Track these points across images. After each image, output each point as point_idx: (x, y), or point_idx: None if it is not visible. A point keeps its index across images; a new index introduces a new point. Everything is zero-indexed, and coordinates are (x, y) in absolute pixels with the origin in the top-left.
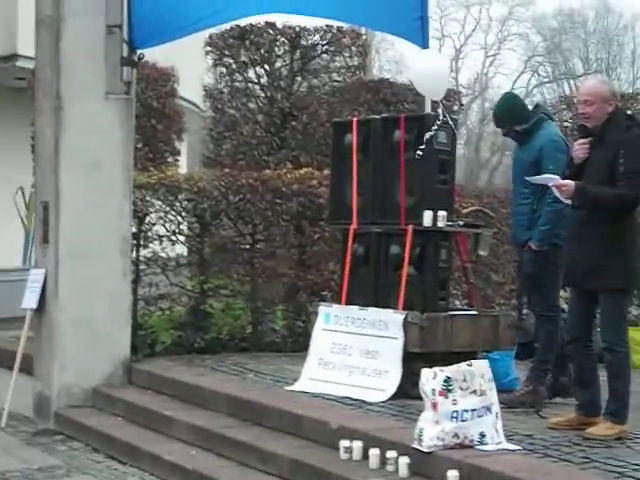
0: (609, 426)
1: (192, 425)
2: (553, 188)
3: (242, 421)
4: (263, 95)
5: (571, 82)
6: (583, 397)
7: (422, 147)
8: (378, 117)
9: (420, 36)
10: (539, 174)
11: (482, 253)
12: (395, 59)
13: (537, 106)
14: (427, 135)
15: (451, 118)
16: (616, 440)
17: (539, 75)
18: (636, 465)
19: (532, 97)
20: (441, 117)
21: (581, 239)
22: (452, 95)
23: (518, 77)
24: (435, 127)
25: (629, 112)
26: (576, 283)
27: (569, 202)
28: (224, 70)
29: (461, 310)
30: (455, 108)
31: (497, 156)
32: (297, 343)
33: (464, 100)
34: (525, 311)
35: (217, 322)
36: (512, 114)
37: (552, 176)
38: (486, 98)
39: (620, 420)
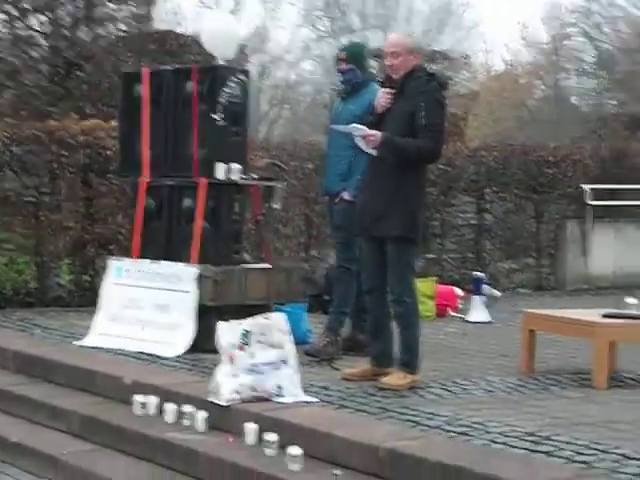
0: (402, 376)
1: None
2: (358, 138)
3: (31, 378)
4: (46, 44)
5: (349, 37)
6: (376, 348)
7: (219, 114)
8: (170, 68)
9: None
10: None
11: (275, 206)
12: (173, 11)
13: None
14: (224, 94)
15: (244, 70)
16: (409, 390)
17: (318, 29)
18: (430, 414)
19: (311, 51)
20: (234, 69)
21: (372, 188)
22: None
23: (297, 31)
24: (228, 80)
25: (429, 70)
26: (365, 230)
27: (374, 152)
28: (4, 17)
29: (253, 263)
30: (241, 61)
31: (276, 109)
32: (84, 298)
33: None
34: (319, 264)
35: (0, 277)
36: (360, 56)
37: (359, 126)
38: (265, 51)
39: (412, 370)
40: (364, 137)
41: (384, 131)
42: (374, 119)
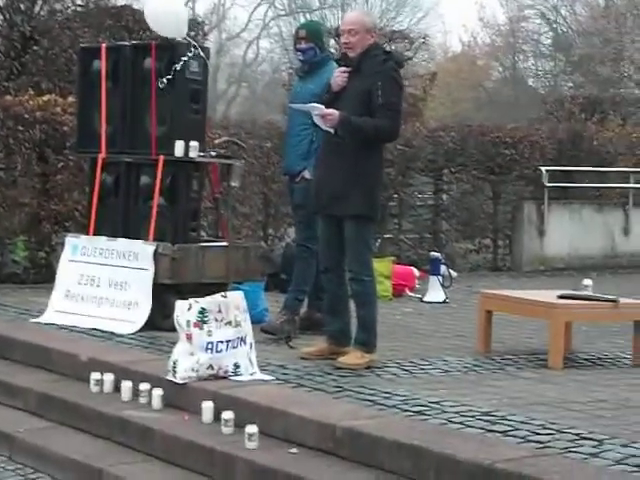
0: (359, 355)
1: None
2: (316, 117)
3: None
4: (2, 17)
5: (307, 16)
6: (334, 326)
7: (168, 77)
8: (128, 44)
9: None
10: None
11: (234, 184)
12: None
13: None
14: (177, 66)
15: (202, 47)
16: (366, 369)
17: (276, 7)
18: (387, 393)
19: (269, 29)
20: (193, 45)
21: (329, 166)
22: (195, 25)
23: (255, 9)
24: (186, 56)
25: (386, 49)
26: (321, 208)
27: (332, 131)
28: None
29: (211, 241)
30: (199, 38)
31: (234, 87)
32: (40, 275)
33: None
34: (276, 243)
35: None
36: (319, 35)
37: (316, 105)
38: (223, 29)
39: (369, 349)
40: (322, 116)
41: (340, 110)
42: (330, 97)
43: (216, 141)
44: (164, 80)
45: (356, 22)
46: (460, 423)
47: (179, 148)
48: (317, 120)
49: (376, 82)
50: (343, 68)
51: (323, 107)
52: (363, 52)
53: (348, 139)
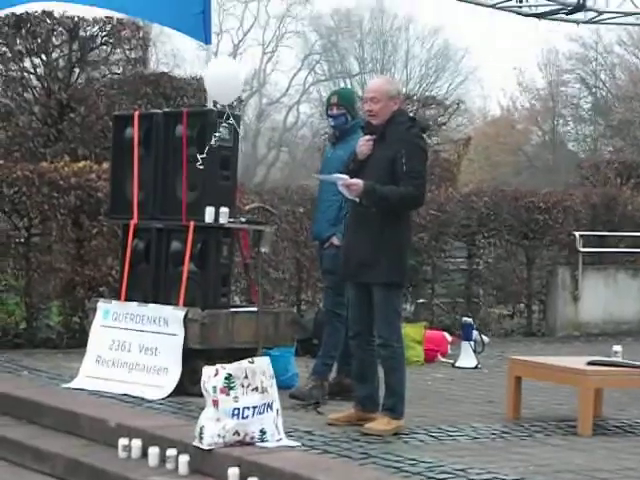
0: (386, 422)
1: None
2: (341, 187)
3: (17, 419)
4: (40, 85)
5: (347, 81)
6: (362, 392)
7: (203, 156)
8: (160, 111)
9: (202, 31)
10: None
11: (264, 250)
12: (173, 53)
13: None
14: (215, 137)
15: (234, 114)
16: (393, 435)
17: (316, 73)
18: (412, 460)
19: (309, 94)
20: (224, 114)
21: (356, 233)
22: None
23: (295, 74)
24: (219, 124)
25: (411, 115)
26: (350, 276)
27: (357, 200)
28: None
29: (242, 307)
30: (235, 104)
31: (274, 152)
32: (73, 339)
33: (242, 96)
34: (309, 308)
35: None
36: (351, 101)
37: (341, 175)
38: (263, 94)
39: (397, 415)
40: (347, 186)
41: (366, 178)
42: (355, 166)
43: (247, 207)
44: (200, 158)
45: (378, 90)
46: None
47: (209, 214)
48: (342, 189)
49: (400, 149)
50: (368, 137)
51: (347, 177)
52: (387, 119)
53: (373, 208)
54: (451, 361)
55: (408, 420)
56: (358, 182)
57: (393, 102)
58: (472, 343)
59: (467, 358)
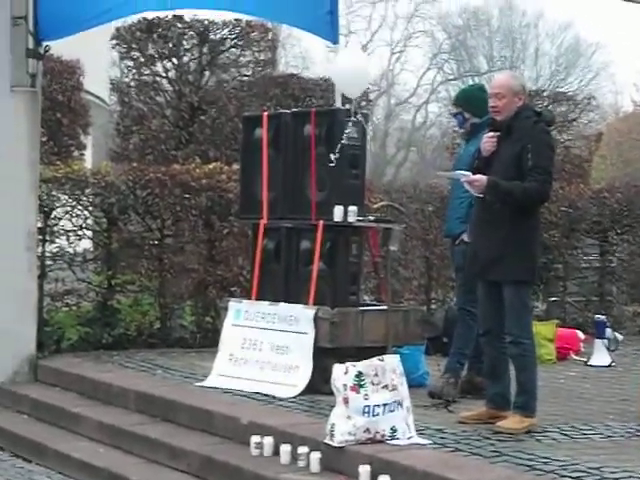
0: (518, 420)
1: (100, 422)
2: (465, 183)
3: (151, 418)
4: (171, 89)
5: (476, 79)
6: (493, 390)
7: (336, 157)
8: (288, 111)
9: (330, 31)
10: None
11: (393, 248)
12: (302, 55)
13: None
14: (344, 137)
15: (362, 113)
16: (525, 433)
17: (444, 72)
18: (545, 458)
19: (437, 94)
20: (352, 112)
21: (484, 230)
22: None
23: (424, 74)
24: (347, 122)
25: (536, 109)
26: (479, 273)
27: (481, 196)
28: (131, 64)
29: (371, 305)
30: (363, 103)
31: (403, 152)
32: (206, 339)
33: (370, 96)
34: (439, 306)
35: (125, 318)
36: (469, 100)
37: (463, 172)
38: (392, 94)
39: (529, 413)
40: (469, 182)
41: (492, 174)
42: (480, 163)
43: (375, 206)
44: (332, 158)
45: (502, 85)
46: None
47: (338, 213)
48: (466, 186)
49: (526, 145)
50: (491, 133)
51: (469, 174)
52: (513, 115)
53: (497, 203)
54: (584, 359)
55: (540, 418)
56: (481, 178)
57: (517, 97)
58: (606, 341)
59: (600, 356)
